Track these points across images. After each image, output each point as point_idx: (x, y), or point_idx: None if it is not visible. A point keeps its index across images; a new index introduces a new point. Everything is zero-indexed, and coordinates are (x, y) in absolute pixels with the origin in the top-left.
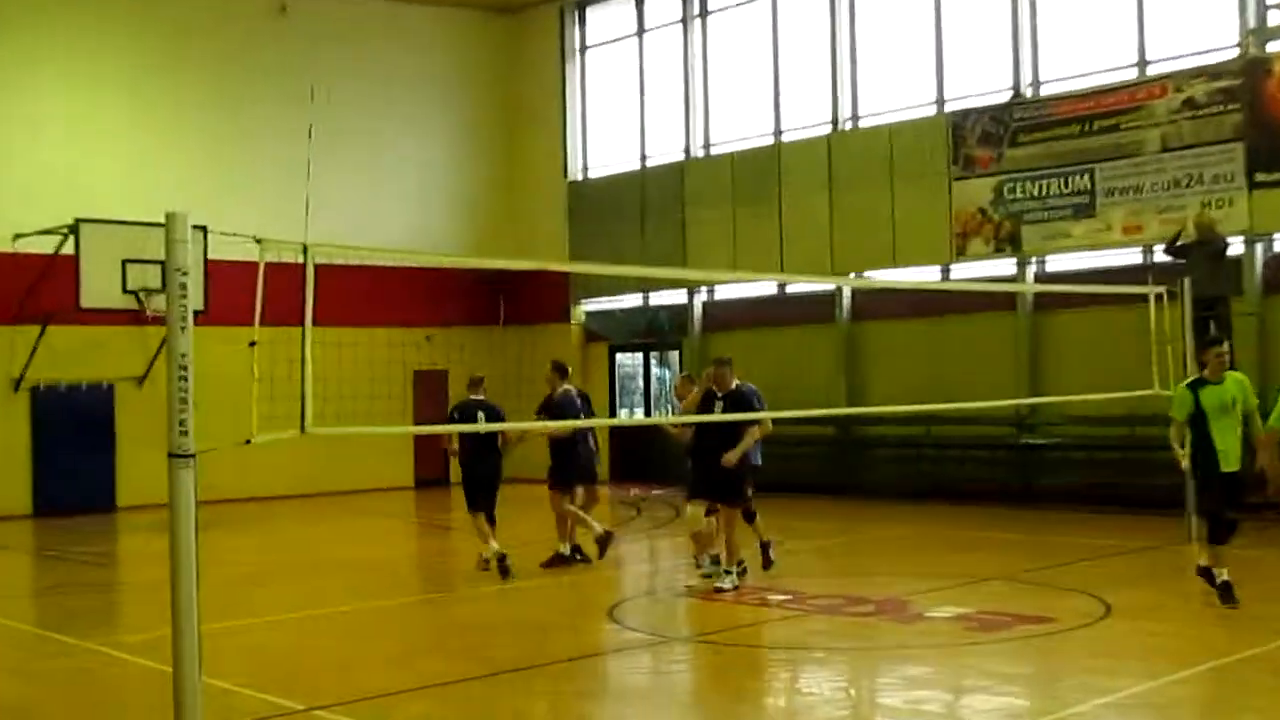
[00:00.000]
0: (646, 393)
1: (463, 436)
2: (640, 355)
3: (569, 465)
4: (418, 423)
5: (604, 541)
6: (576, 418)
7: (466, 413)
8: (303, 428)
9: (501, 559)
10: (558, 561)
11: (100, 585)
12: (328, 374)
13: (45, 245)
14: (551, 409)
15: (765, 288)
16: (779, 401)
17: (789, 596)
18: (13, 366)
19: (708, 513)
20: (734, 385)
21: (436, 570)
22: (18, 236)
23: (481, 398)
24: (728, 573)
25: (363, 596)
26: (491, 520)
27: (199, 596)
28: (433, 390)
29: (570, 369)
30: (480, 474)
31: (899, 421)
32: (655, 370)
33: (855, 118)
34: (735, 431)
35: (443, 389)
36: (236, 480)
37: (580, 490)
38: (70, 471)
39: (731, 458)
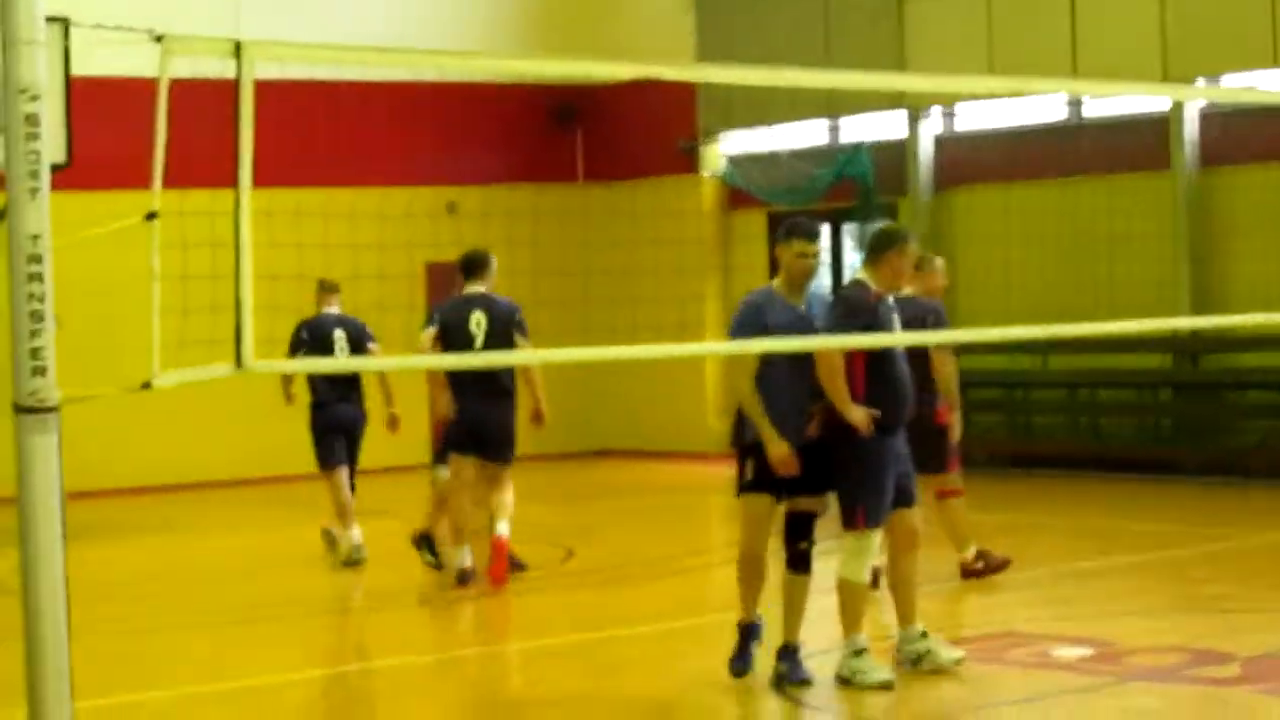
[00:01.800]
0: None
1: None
2: (826, 228)
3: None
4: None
5: (463, 575)
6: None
7: (317, 334)
8: (239, 360)
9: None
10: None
11: None
12: (282, 269)
13: None
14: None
15: (1045, 109)
16: (1068, 310)
17: (1089, 650)
18: None
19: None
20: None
21: (463, 609)
22: None
23: (337, 311)
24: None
25: (347, 652)
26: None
27: (69, 656)
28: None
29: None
30: (341, 414)
31: None
32: (851, 258)
33: None
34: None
35: None
36: (131, 455)
37: (467, 466)
38: None
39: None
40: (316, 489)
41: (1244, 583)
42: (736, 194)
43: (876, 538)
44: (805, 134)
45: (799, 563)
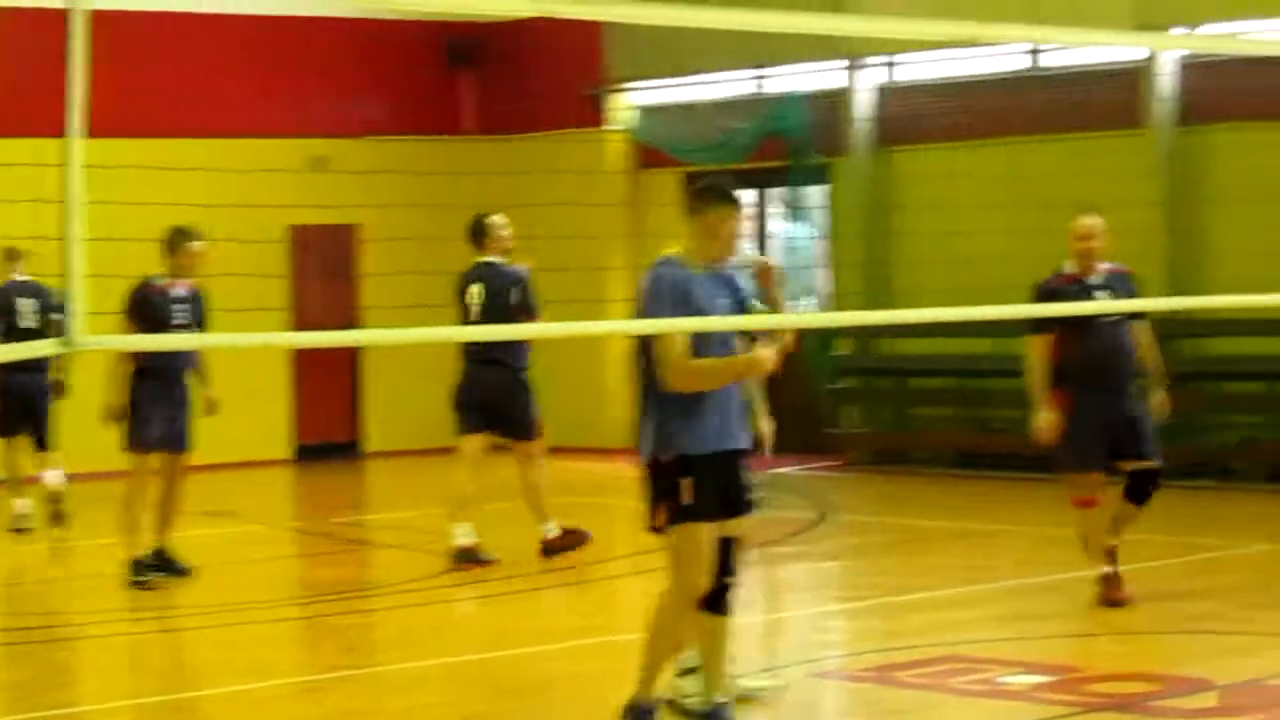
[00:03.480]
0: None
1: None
2: (752, 196)
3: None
4: (304, 324)
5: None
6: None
7: (3, 301)
8: (68, 334)
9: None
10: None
11: None
12: (121, 228)
13: None
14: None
15: (1001, 58)
16: (1027, 288)
17: (1046, 677)
18: None
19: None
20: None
21: (343, 624)
22: None
23: (26, 278)
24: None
25: (194, 675)
26: (42, 444)
27: None
28: (330, 262)
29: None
30: (23, 385)
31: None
32: (781, 225)
33: None
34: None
35: (345, 258)
36: None
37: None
38: None
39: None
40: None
41: (1227, 599)
42: (648, 151)
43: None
44: (728, 83)
45: (722, 602)
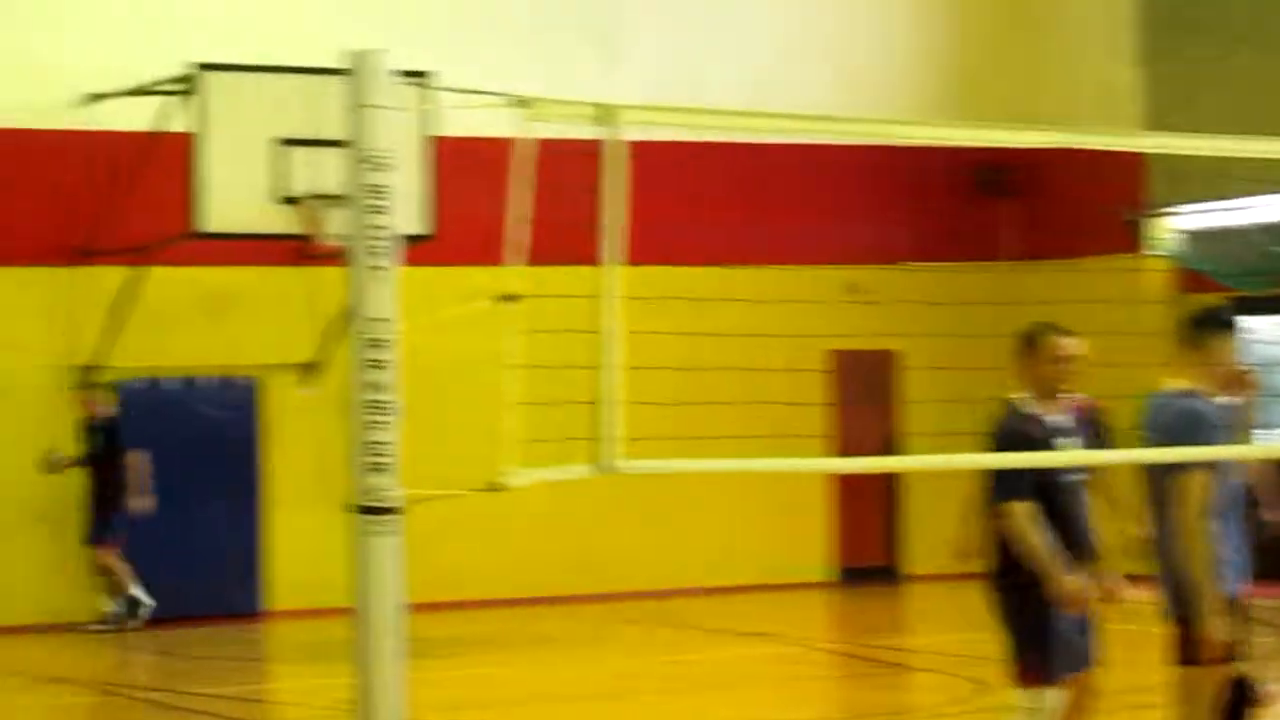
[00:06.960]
0: None
1: None
2: None
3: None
4: (846, 450)
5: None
6: None
7: None
8: (602, 459)
9: None
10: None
11: None
12: (656, 356)
13: (132, 117)
14: None
15: None
16: None
17: None
18: (73, 345)
19: None
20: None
21: None
22: (92, 98)
23: None
24: None
25: None
26: None
27: None
28: (869, 386)
29: None
30: None
31: None
32: None
33: None
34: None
35: (884, 383)
36: (480, 560)
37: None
38: (176, 539)
39: None
40: (681, 606)
41: None
42: (1190, 276)
43: (1050, 697)
44: (1275, 207)
45: None
